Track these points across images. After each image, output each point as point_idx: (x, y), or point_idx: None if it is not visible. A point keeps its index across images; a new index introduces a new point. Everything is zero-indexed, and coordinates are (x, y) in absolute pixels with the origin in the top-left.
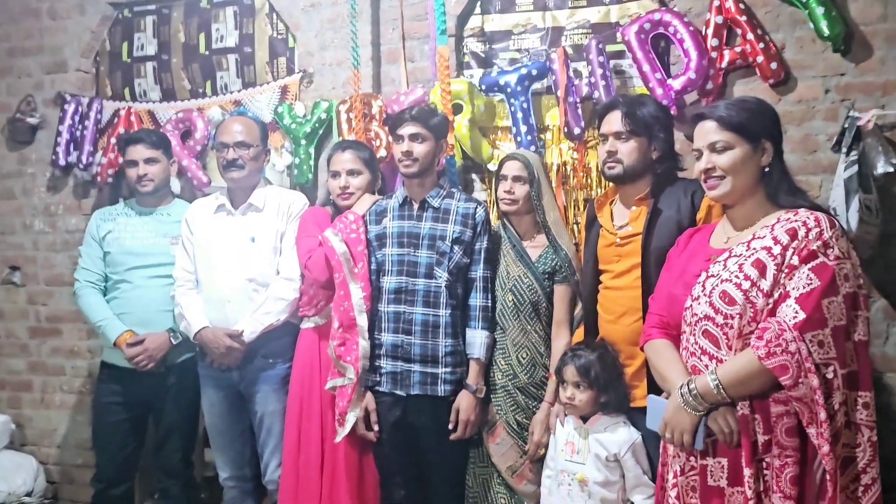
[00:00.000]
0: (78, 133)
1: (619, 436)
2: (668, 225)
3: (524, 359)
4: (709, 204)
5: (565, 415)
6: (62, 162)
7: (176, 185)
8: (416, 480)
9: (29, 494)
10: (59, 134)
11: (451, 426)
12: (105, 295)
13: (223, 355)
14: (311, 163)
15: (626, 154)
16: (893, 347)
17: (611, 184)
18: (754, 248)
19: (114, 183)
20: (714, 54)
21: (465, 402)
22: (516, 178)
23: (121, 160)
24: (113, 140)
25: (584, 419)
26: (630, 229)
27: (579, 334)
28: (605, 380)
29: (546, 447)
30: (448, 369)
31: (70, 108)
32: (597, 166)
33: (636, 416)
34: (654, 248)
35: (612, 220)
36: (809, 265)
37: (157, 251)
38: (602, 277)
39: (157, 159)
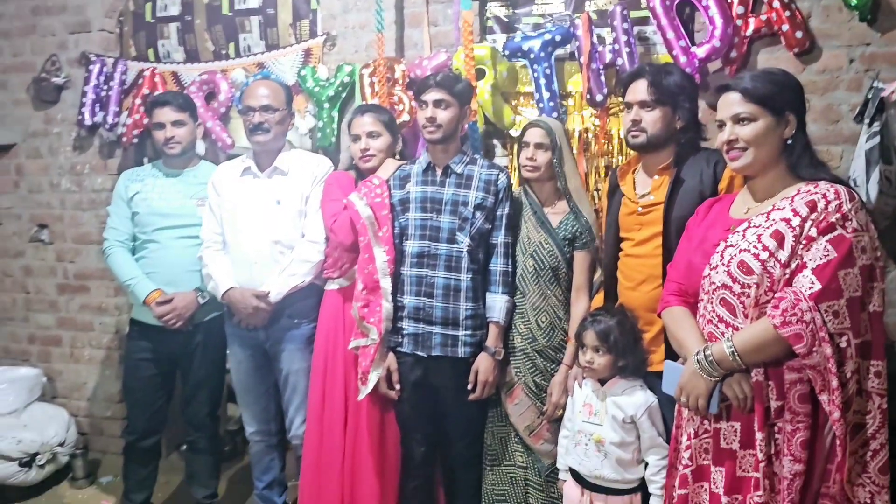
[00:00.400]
0: (103, 93)
1: (636, 399)
2: (691, 194)
3: (543, 322)
4: (731, 174)
5: (584, 377)
6: (88, 122)
7: (201, 146)
8: (435, 438)
9: (61, 445)
10: (84, 94)
11: (469, 387)
12: (133, 254)
13: (250, 315)
14: (334, 126)
15: (650, 123)
16: None
17: (633, 152)
18: (773, 220)
19: (138, 143)
20: (739, 22)
21: (483, 364)
22: (538, 146)
23: (146, 121)
24: (138, 101)
25: (602, 382)
26: (652, 198)
27: (598, 300)
28: (623, 345)
29: (563, 408)
30: (468, 332)
31: (95, 69)
32: (618, 133)
33: (653, 381)
34: (676, 218)
35: (635, 189)
36: (827, 237)
37: (184, 212)
38: (623, 245)
39: (183, 122)
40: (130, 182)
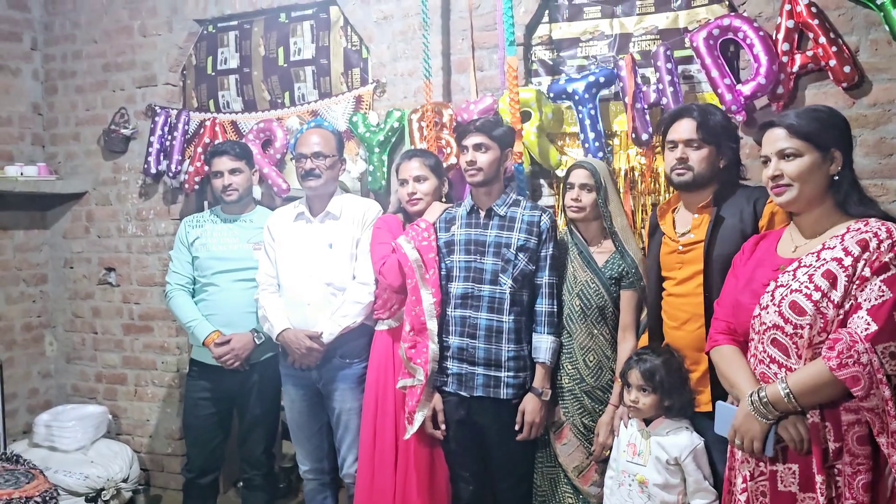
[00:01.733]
0: (167, 143)
1: (681, 440)
2: (731, 232)
3: (591, 362)
4: (771, 211)
5: (629, 417)
6: (153, 170)
7: (257, 191)
8: (483, 477)
9: (125, 480)
10: (150, 144)
11: (517, 427)
12: (193, 297)
13: (304, 356)
14: (385, 170)
15: (696, 161)
16: None
17: (674, 191)
18: (824, 259)
19: (199, 189)
20: (785, 59)
21: (530, 405)
22: (583, 186)
23: (206, 169)
24: (199, 150)
25: (647, 422)
26: (692, 237)
27: (645, 339)
28: (669, 384)
29: (611, 448)
30: (511, 373)
31: (160, 120)
32: (664, 172)
33: (700, 421)
34: (717, 256)
35: (675, 228)
36: (881, 277)
37: (241, 256)
38: (665, 284)
39: (240, 169)
40: (191, 228)
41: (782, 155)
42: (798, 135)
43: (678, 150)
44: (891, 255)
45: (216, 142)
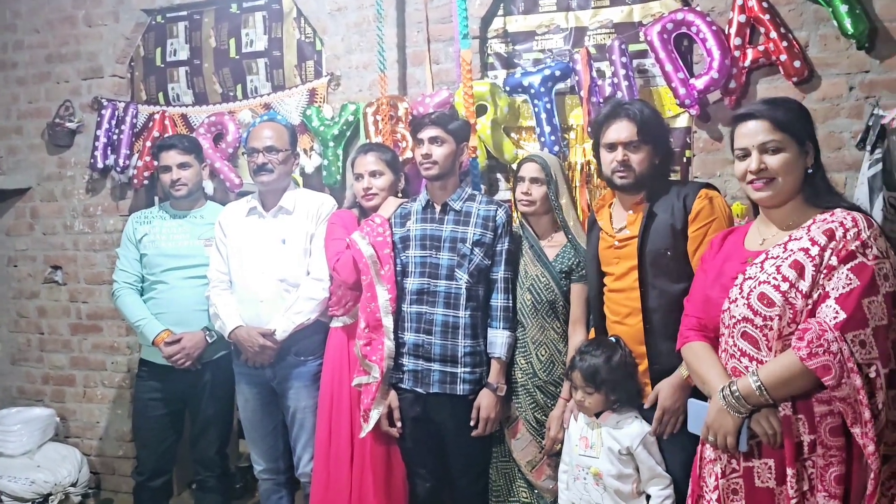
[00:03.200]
0: (115, 137)
1: (632, 429)
2: (663, 228)
3: (543, 356)
4: (700, 207)
5: (578, 411)
6: (100, 165)
7: (209, 186)
8: (440, 474)
9: (74, 485)
10: (96, 138)
11: (472, 423)
12: (142, 295)
13: (257, 353)
14: (340, 164)
15: (637, 163)
16: None
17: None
18: (791, 250)
19: (149, 185)
20: (737, 53)
21: (485, 401)
22: (533, 180)
23: (154, 164)
24: (148, 144)
25: (597, 415)
26: (627, 232)
27: (595, 332)
28: (612, 381)
29: (562, 442)
30: (467, 369)
31: (107, 113)
32: (604, 173)
33: (647, 414)
34: (650, 251)
35: (612, 223)
36: (848, 265)
37: (191, 253)
38: (605, 280)
39: (189, 163)
40: (138, 224)
41: (764, 149)
42: (781, 127)
43: (618, 153)
44: (857, 243)
45: (163, 136)
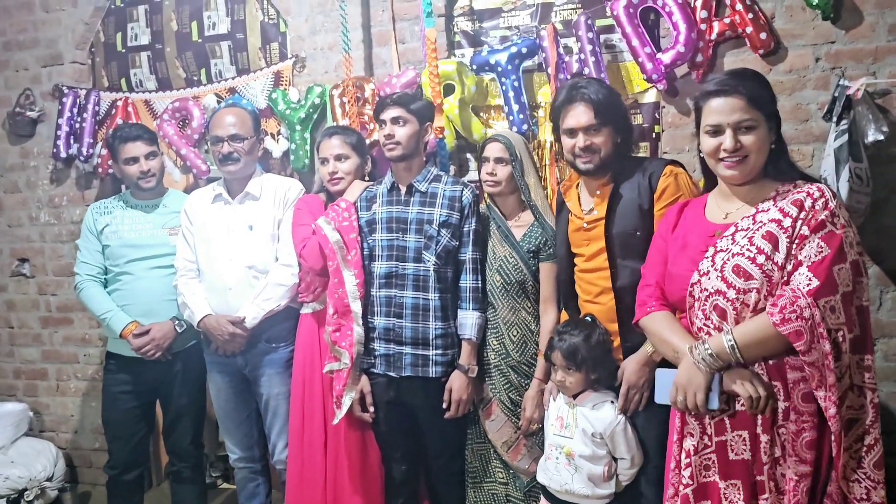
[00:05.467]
0: (77, 125)
1: (605, 414)
2: (630, 208)
3: (515, 337)
4: (664, 185)
5: (558, 392)
6: (63, 154)
7: (177, 174)
8: (415, 457)
9: (49, 479)
10: (58, 127)
11: (444, 405)
12: (106, 287)
13: (227, 342)
14: (307, 148)
15: (600, 145)
16: (886, 314)
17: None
18: (761, 222)
19: (114, 173)
20: (703, 26)
21: (457, 382)
22: (498, 160)
23: (121, 156)
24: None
25: (575, 395)
26: (596, 213)
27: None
28: (592, 359)
29: (539, 423)
30: (438, 351)
31: (68, 101)
32: (566, 157)
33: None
34: (618, 233)
35: (580, 205)
36: (819, 234)
37: (156, 242)
38: (576, 261)
39: (155, 153)
40: (99, 215)
41: (739, 127)
42: (755, 105)
43: (580, 139)
44: (826, 212)
45: (117, 126)
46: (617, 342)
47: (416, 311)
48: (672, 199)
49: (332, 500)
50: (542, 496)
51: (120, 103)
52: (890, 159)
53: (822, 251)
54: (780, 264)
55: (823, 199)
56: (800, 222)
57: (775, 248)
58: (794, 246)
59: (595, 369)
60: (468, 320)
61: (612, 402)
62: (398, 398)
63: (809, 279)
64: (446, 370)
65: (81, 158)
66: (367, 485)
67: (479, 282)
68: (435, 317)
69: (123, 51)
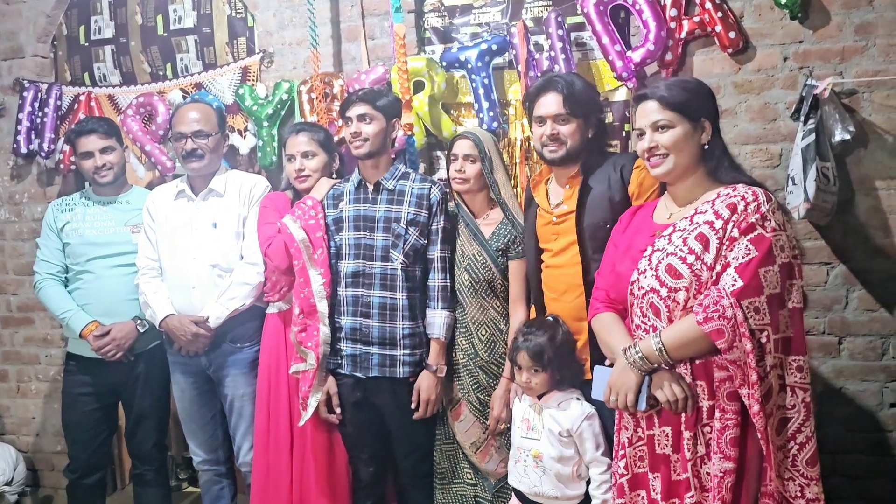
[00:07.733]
0: (38, 120)
1: (572, 411)
2: (600, 200)
3: (484, 336)
4: (640, 179)
5: (523, 394)
6: (24, 150)
7: (142, 171)
8: (383, 458)
9: (9, 483)
10: (19, 122)
11: (413, 406)
12: (66, 286)
13: (190, 342)
14: (275, 144)
15: (567, 136)
16: (853, 313)
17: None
18: (697, 223)
19: (77, 170)
20: (673, 25)
21: (425, 382)
22: (466, 157)
23: (79, 151)
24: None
25: (540, 396)
26: (565, 207)
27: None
28: (557, 359)
29: (507, 422)
30: (406, 351)
31: (29, 95)
32: (534, 147)
33: (586, 389)
34: (588, 225)
35: (549, 200)
36: (749, 236)
37: (118, 240)
38: (543, 256)
39: (112, 147)
40: (59, 212)
41: (656, 127)
42: (669, 106)
43: (547, 127)
44: (757, 216)
45: (78, 120)
46: (583, 340)
47: (383, 311)
48: (652, 189)
49: (298, 502)
50: (513, 496)
51: (83, 98)
52: (856, 159)
53: (749, 253)
54: (709, 265)
55: (756, 203)
56: (731, 224)
57: (706, 248)
58: (725, 247)
59: (560, 369)
60: (437, 319)
61: (578, 398)
62: (365, 399)
63: (734, 280)
64: (414, 370)
65: (43, 154)
66: (334, 487)
67: (448, 280)
68: (403, 316)
69: (87, 44)
